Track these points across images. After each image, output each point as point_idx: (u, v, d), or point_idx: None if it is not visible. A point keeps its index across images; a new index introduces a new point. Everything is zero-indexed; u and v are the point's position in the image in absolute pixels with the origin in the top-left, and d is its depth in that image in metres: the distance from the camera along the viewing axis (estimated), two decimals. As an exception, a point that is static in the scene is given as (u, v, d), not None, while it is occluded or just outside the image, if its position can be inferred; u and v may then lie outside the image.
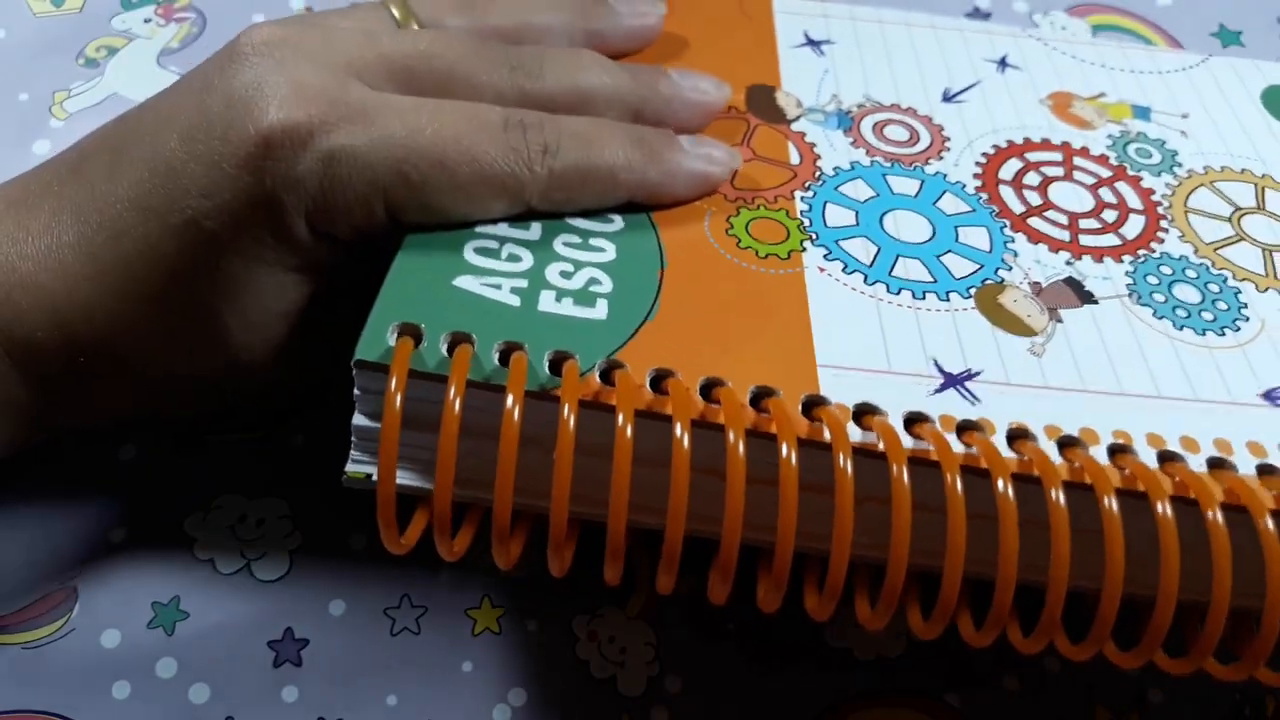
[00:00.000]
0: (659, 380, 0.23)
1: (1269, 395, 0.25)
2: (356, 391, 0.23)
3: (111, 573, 0.28)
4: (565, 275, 0.25)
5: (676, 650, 0.28)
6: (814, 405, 0.24)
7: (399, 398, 0.22)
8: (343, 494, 0.29)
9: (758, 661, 0.28)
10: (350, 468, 0.24)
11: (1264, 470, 0.23)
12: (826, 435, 0.22)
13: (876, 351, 0.25)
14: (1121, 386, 0.25)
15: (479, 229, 0.26)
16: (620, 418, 0.22)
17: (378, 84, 0.26)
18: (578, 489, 0.22)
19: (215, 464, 0.30)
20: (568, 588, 0.29)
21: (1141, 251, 0.29)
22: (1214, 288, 0.28)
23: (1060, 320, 0.27)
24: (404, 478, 0.24)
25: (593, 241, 0.27)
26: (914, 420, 0.24)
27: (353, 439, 0.24)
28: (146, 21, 0.41)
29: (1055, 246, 0.29)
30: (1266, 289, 0.28)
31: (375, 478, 0.23)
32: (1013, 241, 0.29)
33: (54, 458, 0.30)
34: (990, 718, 0.28)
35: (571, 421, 0.22)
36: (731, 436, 0.22)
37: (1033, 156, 0.31)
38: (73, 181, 0.26)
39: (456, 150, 0.25)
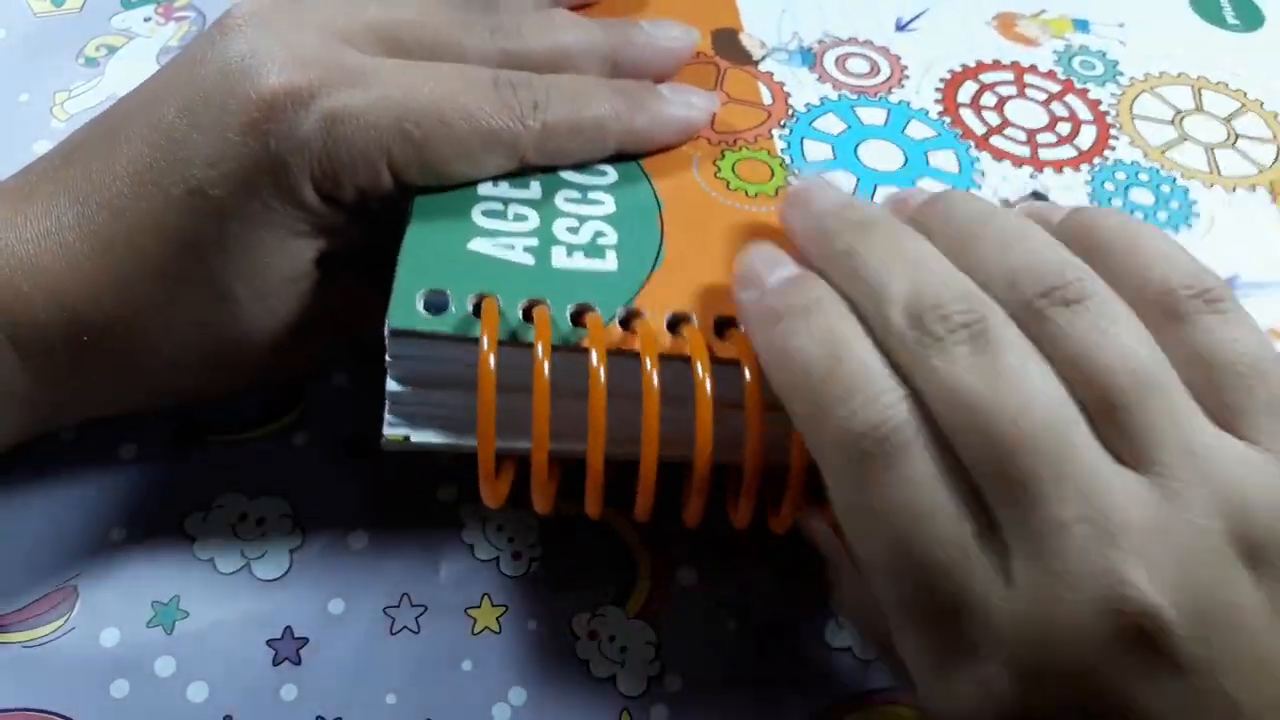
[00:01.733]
0: (675, 324, 0.26)
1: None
2: (389, 358, 0.25)
3: (111, 571, 0.29)
4: (572, 230, 0.27)
5: (676, 649, 0.29)
6: None
7: (492, 358, 0.24)
8: (343, 493, 0.30)
9: (757, 661, 0.28)
10: (387, 431, 0.26)
11: None
12: None
13: None
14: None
15: (482, 192, 0.28)
16: (647, 362, 0.24)
17: (367, 51, 0.28)
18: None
19: (216, 463, 0.31)
20: (569, 585, 0.29)
21: (1096, 160, 0.32)
22: (1165, 189, 0.31)
23: None
24: (428, 435, 0.26)
25: (591, 195, 0.29)
26: None
27: (387, 403, 0.25)
28: (146, 20, 0.41)
29: (1018, 162, 0.32)
30: (1212, 185, 0.32)
31: (413, 438, 0.26)
32: (979, 161, 0.31)
33: (54, 456, 0.31)
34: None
35: (602, 372, 0.24)
36: (747, 371, 0.24)
37: (986, 78, 0.34)
38: (68, 166, 0.27)
39: (454, 107, 0.27)
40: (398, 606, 0.29)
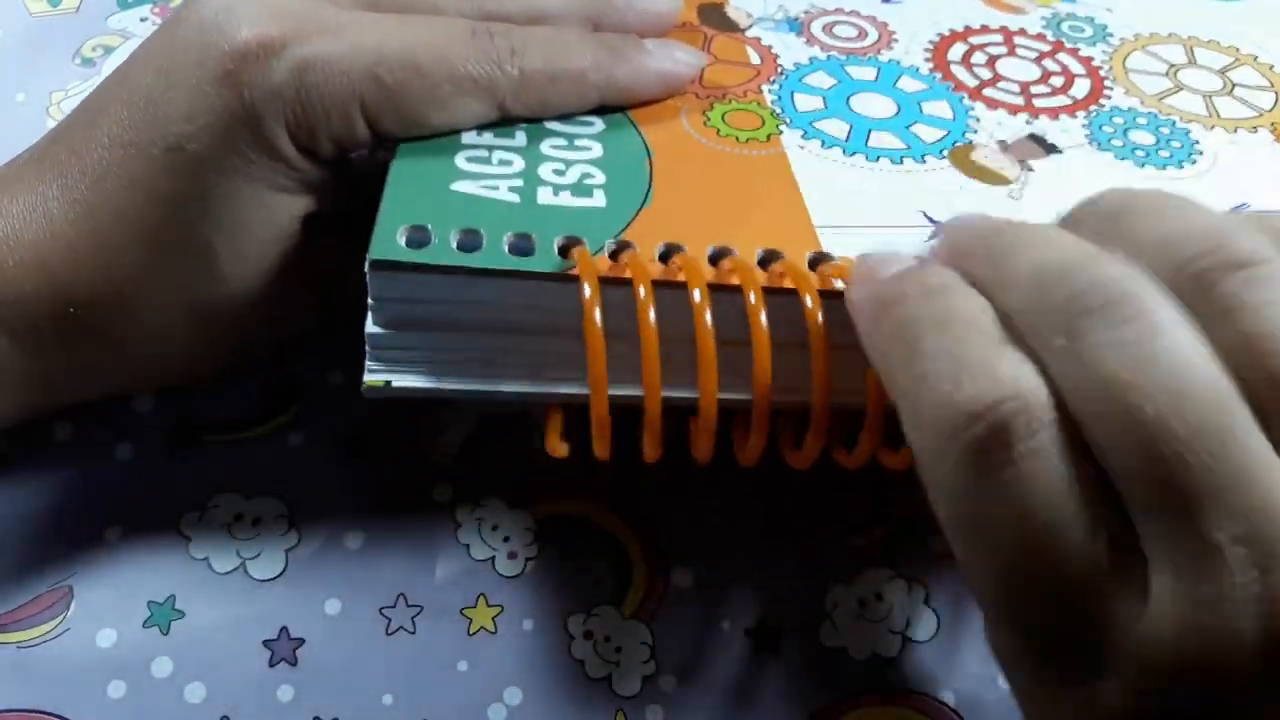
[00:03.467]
0: (667, 255, 0.25)
1: (1237, 211, 0.29)
2: (370, 300, 0.25)
3: (107, 572, 0.29)
4: (558, 172, 0.28)
5: (672, 650, 0.29)
6: (820, 262, 0.26)
7: (597, 309, 0.23)
8: (339, 493, 0.30)
9: (752, 661, 0.28)
10: (368, 377, 0.25)
11: None
12: (839, 285, 0.24)
13: (868, 210, 0.28)
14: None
15: (465, 139, 0.28)
16: (641, 290, 0.23)
17: (343, 6, 0.28)
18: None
19: (212, 464, 0.31)
20: (565, 585, 0.29)
21: (1093, 108, 0.32)
22: (1165, 130, 0.32)
23: (1031, 170, 0.30)
24: (410, 380, 0.25)
25: (578, 142, 0.29)
26: None
27: (367, 348, 0.25)
28: (143, 21, 0.41)
29: (1013, 110, 0.32)
30: (1213, 127, 0.32)
31: (394, 383, 0.25)
32: (973, 110, 0.32)
33: (50, 456, 0.30)
34: (986, 716, 0.28)
35: (597, 308, 0.23)
36: (753, 297, 0.24)
37: (975, 40, 0.35)
38: (53, 144, 0.28)
39: (428, 53, 0.27)
40: (394, 607, 0.29)
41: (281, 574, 0.29)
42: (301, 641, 0.28)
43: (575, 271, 0.24)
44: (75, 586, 0.29)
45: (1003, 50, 0.34)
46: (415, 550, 0.30)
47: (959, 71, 0.33)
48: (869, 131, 0.30)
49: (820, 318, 0.24)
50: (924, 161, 0.29)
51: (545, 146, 0.28)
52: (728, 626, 0.29)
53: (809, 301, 0.24)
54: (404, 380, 0.25)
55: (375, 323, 0.25)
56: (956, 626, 0.30)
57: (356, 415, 0.32)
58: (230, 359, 0.31)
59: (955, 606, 0.30)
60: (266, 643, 0.28)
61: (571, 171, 0.27)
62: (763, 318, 0.23)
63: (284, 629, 0.28)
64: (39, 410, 0.30)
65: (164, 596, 0.29)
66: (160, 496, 0.30)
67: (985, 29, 0.35)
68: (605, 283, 0.24)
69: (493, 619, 0.29)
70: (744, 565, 0.30)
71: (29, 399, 0.29)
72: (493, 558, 0.30)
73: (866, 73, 0.33)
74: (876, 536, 0.30)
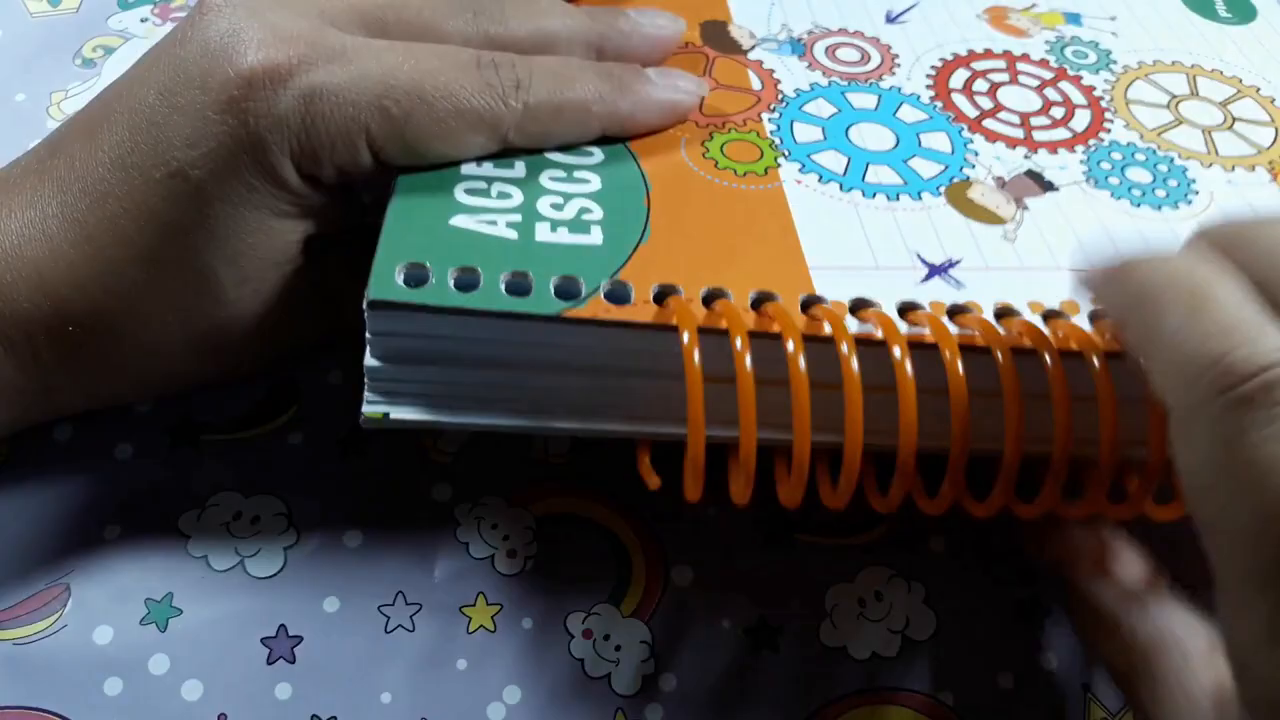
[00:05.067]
0: (662, 296, 0.25)
1: None
2: (369, 335, 0.25)
3: (104, 569, 0.29)
4: (556, 207, 0.27)
5: (672, 649, 0.29)
6: (811, 304, 0.26)
7: (696, 352, 0.24)
8: (338, 492, 0.30)
9: (752, 660, 0.28)
10: (366, 409, 0.25)
11: None
12: (827, 329, 0.25)
13: (862, 250, 0.27)
14: (1091, 261, 0.27)
15: (465, 171, 0.28)
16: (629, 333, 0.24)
17: (349, 31, 0.28)
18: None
19: (211, 463, 0.31)
20: (565, 584, 0.29)
21: (1092, 141, 0.32)
22: (1163, 168, 0.31)
23: (1026, 208, 0.30)
24: (407, 412, 0.26)
25: (577, 174, 0.29)
26: (907, 309, 0.26)
27: (366, 380, 0.25)
28: (143, 21, 0.41)
29: (1012, 143, 0.32)
30: (1210, 165, 0.32)
31: (393, 415, 0.25)
32: (972, 142, 0.32)
33: (49, 455, 0.30)
34: (985, 716, 0.28)
35: (696, 352, 0.24)
36: (738, 341, 0.24)
37: (978, 66, 0.34)
38: (52, 156, 0.27)
39: (434, 85, 0.27)
40: (392, 605, 0.29)
41: (280, 572, 0.29)
42: (299, 639, 0.28)
43: (573, 314, 0.24)
44: (72, 584, 0.28)
45: (1005, 78, 0.34)
46: (414, 548, 0.30)
47: (960, 100, 0.33)
48: (867, 165, 0.30)
49: (801, 363, 0.24)
50: (920, 199, 0.29)
51: (544, 179, 0.28)
52: (727, 625, 0.29)
53: (791, 346, 0.24)
54: (402, 413, 0.26)
55: (374, 356, 0.25)
56: (956, 626, 0.29)
57: (356, 415, 0.32)
58: (230, 372, 0.31)
59: (955, 606, 0.30)
60: (264, 640, 0.28)
61: (570, 206, 0.27)
62: (748, 360, 0.24)
63: (282, 626, 0.28)
64: (35, 421, 0.29)
65: (161, 594, 0.28)
66: (159, 495, 0.30)
67: (989, 53, 0.35)
68: (603, 325, 0.25)
69: (492, 617, 0.29)
70: (744, 563, 0.30)
71: (25, 410, 0.28)
72: (492, 556, 0.30)
73: (867, 100, 0.32)
74: (876, 535, 0.30)
